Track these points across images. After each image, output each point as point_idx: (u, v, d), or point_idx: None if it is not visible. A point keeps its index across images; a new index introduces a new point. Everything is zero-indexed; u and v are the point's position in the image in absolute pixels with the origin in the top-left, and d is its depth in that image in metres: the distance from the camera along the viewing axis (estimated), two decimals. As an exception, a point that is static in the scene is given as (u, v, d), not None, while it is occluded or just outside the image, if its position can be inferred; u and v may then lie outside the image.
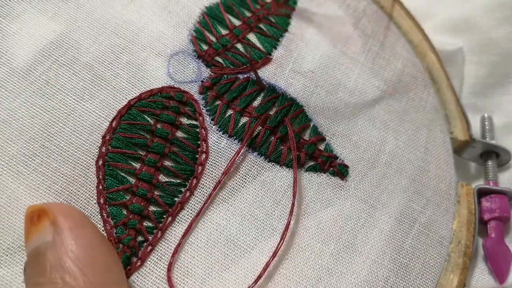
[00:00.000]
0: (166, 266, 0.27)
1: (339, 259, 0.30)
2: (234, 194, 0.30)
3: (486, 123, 0.40)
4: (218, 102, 0.31)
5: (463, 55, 0.42)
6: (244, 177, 0.30)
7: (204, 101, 0.31)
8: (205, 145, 0.30)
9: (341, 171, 0.32)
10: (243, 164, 0.30)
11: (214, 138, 0.30)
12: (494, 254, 0.35)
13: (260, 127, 0.31)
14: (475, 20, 0.41)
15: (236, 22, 0.34)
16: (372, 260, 0.30)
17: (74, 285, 0.21)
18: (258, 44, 0.34)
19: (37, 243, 0.23)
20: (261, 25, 0.34)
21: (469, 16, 0.42)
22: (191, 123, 0.30)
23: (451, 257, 0.32)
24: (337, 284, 0.29)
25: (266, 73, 0.33)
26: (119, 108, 0.30)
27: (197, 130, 0.30)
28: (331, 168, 0.32)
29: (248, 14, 0.35)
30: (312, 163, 0.31)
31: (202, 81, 0.32)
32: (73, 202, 0.27)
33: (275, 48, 0.34)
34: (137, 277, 0.27)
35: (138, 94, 0.30)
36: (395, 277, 0.30)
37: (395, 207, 0.32)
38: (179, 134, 0.30)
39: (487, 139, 0.40)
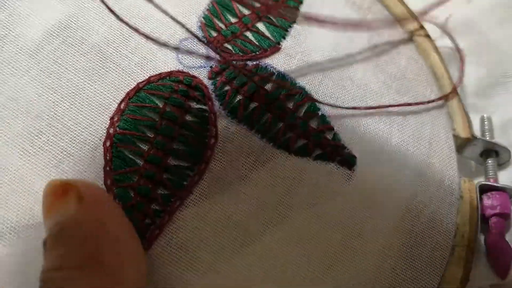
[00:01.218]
0: (174, 250, 0.27)
1: (347, 247, 0.29)
2: (243, 179, 0.29)
3: (485, 123, 0.41)
4: (227, 88, 0.31)
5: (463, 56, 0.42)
6: (254, 162, 0.30)
7: (213, 86, 0.31)
8: (214, 129, 0.30)
9: (349, 161, 0.32)
10: (253, 150, 0.30)
11: (224, 123, 0.30)
12: (495, 250, 0.35)
13: (269, 114, 0.31)
14: (474, 21, 0.42)
15: (245, 11, 0.34)
16: (379, 250, 0.30)
17: (100, 256, 0.21)
18: (267, 33, 0.34)
19: (62, 217, 0.22)
20: (270, 16, 0.34)
21: (468, 17, 0.43)
22: (200, 107, 0.30)
23: (455, 250, 0.32)
24: (346, 271, 0.29)
25: (276, 62, 0.33)
26: (128, 90, 0.29)
27: (206, 114, 0.30)
28: (339, 157, 0.31)
29: (257, 4, 0.35)
30: (320, 151, 0.31)
31: (211, 67, 0.31)
32: (80, 182, 0.27)
33: (284, 38, 0.34)
34: (144, 260, 0.26)
35: (147, 77, 0.30)
36: (402, 266, 0.30)
37: (401, 199, 0.32)
38: (188, 117, 0.30)
39: (487, 138, 0.40)
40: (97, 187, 0.26)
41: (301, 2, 0.36)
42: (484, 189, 0.37)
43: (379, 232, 0.30)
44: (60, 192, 0.23)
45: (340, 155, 0.32)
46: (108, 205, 0.24)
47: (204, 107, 0.30)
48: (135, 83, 0.29)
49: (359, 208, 0.31)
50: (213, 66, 0.31)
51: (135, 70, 0.30)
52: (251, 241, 0.28)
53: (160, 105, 0.29)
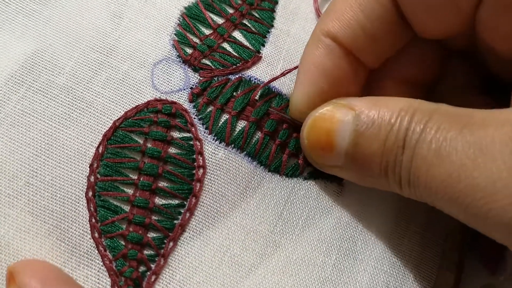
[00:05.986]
0: (173, 295, 0.26)
1: (341, 269, 0.28)
2: (235, 209, 0.28)
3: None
4: (210, 108, 0.29)
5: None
6: (244, 190, 0.28)
7: (195, 109, 0.29)
8: (201, 158, 0.28)
9: (337, 177, 0.29)
10: (243, 176, 0.28)
11: (210, 149, 0.28)
12: (488, 246, 0.34)
13: (260, 133, 0.29)
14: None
15: (219, 20, 0.32)
16: (372, 267, 0.28)
17: None
18: (245, 42, 0.31)
19: None
20: (246, 21, 0.32)
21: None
22: (184, 136, 0.28)
23: (446, 254, 0.30)
24: None
25: (258, 72, 0.31)
26: (104, 130, 0.27)
27: (191, 142, 0.28)
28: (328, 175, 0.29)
29: (230, 10, 0.32)
30: (310, 169, 0.29)
31: (191, 88, 0.29)
32: (66, 240, 0.26)
33: (263, 46, 0.32)
34: (145, 310, 0.25)
35: (123, 112, 0.28)
36: (395, 281, 0.29)
37: (390, 210, 0.30)
38: (172, 150, 0.28)
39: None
40: (45, 267, 0.24)
41: (276, 3, 0.33)
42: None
43: (371, 247, 0.29)
44: (8, 282, 0.23)
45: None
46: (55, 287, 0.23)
47: (187, 134, 0.28)
48: (111, 122, 0.28)
49: (350, 225, 0.29)
50: (193, 87, 0.29)
51: (109, 106, 0.28)
52: (246, 275, 0.27)
53: (141, 141, 0.28)
